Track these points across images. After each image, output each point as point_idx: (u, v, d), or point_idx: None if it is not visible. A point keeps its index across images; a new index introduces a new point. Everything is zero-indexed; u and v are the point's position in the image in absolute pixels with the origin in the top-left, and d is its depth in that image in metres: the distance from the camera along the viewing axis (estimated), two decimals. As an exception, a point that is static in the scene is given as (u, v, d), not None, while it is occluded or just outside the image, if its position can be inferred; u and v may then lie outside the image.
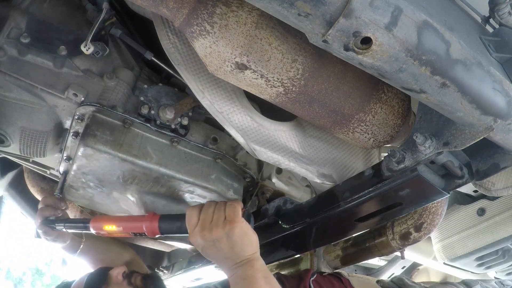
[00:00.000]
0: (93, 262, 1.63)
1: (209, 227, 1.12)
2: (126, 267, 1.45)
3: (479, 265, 2.11)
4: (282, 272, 2.10)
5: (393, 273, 2.76)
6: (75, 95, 1.20)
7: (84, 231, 1.34)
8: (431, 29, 0.68)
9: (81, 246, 1.58)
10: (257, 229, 1.51)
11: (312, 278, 1.66)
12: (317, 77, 1.01)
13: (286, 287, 1.60)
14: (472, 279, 1.93)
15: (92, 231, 1.27)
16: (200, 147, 1.38)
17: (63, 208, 1.39)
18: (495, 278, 1.98)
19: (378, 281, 1.93)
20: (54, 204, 1.37)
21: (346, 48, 0.68)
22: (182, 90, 1.36)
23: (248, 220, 1.18)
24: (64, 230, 1.32)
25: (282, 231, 1.43)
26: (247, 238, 1.13)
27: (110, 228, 1.25)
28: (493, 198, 1.93)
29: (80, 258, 1.62)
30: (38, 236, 1.42)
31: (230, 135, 1.32)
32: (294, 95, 1.03)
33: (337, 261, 1.97)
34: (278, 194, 1.61)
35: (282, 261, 2.10)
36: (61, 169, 1.34)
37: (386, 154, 1.06)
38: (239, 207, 1.17)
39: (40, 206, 1.39)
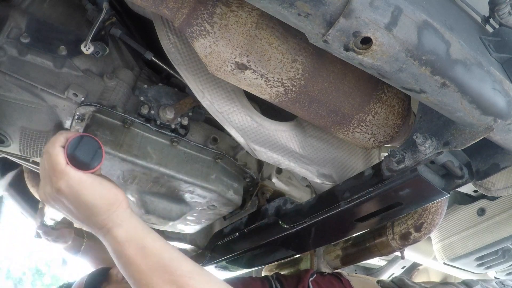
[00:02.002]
0: (95, 261, 1.63)
1: (42, 183, 0.86)
2: None
3: (479, 265, 2.11)
4: (282, 272, 2.10)
5: (393, 273, 2.76)
6: (75, 95, 1.20)
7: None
8: (431, 29, 0.68)
9: (83, 246, 1.59)
10: (257, 229, 1.51)
11: (311, 278, 1.65)
12: (317, 77, 1.01)
13: (285, 287, 1.60)
14: (472, 280, 1.93)
15: None
16: (200, 147, 1.38)
17: None
18: (495, 278, 1.97)
19: (378, 281, 1.93)
20: None
21: (346, 48, 0.68)
22: (182, 90, 1.36)
23: (83, 159, 0.84)
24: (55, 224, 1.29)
25: (282, 231, 1.43)
26: (84, 195, 0.82)
27: (48, 209, 1.21)
28: (493, 198, 1.93)
29: (82, 258, 1.62)
30: (38, 236, 1.42)
31: (230, 135, 1.32)
32: (294, 95, 1.03)
33: (337, 261, 1.97)
34: (278, 194, 1.61)
35: (282, 261, 2.10)
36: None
37: (386, 154, 1.06)
38: (55, 152, 0.82)
39: (40, 206, 1.39)
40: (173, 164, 1.29)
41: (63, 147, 0.84)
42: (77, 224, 0.89)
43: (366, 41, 0.66)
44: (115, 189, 0.87)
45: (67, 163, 0.83)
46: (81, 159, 0.85)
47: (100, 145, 0.88)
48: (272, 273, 1.84)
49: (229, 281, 1.62)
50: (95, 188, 0.84)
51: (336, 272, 1.89)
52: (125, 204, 0.87)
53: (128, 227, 0.84)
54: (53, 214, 1.16)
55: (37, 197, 1.88)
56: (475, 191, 1.96)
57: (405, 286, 1.82)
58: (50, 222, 1.27)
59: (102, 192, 0.85)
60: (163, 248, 0.87)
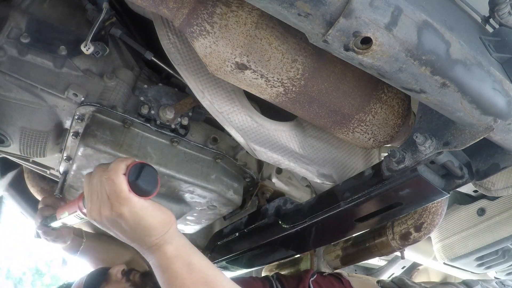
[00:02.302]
0: (94, 262, 1.63)
1: (97, 206, 0.90)
2: (125, 265, 1.46)
3: (479, 265, 2.11)
4: (282, 272, 2.10)
5: (393, 273, 2.76)
6: (75, 95, 1.20)
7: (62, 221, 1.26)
8: (431, 29, 0.68)
9: (82, 246, 1.59)
10: (257, 229, 1.51)
11: (312, 279, 1.65)
12: (317, 77, 1.01)
13: (286, 287, 1.60)
14: (472, 280, 1.93)
15: (63, 221, 1.20)
16: (200, 147, 1.38)
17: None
18: (495, 278, 1.97)
19: (378, 281, 1.93)
20: (54, 204, 1.37)
21: (346, 48, 0.68)
22: (182, 90, 1.36)
23: (145, 187, 0.91)
24: (57, 225, 1.27)
25: (282, 231, 1.43)
26: (144, 220, 0.89)
27: (64, 215, 1.16)
28: (493, 198, 1.93)
29: (81, 258, 1.62)
30: (38, 236, 1.42)
31: (230, 135, 1.32)
32: (294, 95, 1.03)
33: (337, 261, 1.97)
34: (278, 194, 1.61)
35: (282, 261, 2.10)
36: (61, 169, 1.34)
37: (386, 154, 1.06)
38: (119, 180, 0.87)
39: (40, 206, 1.39)
40: (173, 164, 1.29)
41: (125, 174, 0.89)
42: (123, 241, 0.96)
43: (366, 41, 0.66)
44: (167, 211, 0.94)
45: (130, 190, 0.88)
46: (142, 186, 0.90)
47: (157, 173, 0.95)
48: (272, 273, 1.84)
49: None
50: (153, 213, 0.91)
51: (336, 273, 1.89)
52: (175, 224, 0.95)
53: (177, 244, 0.92)
54: (67, 220, 1.16)
55: (37, 197, 1.88)
56: (475, 191, 1.96)
57: (405, 286, 1.82)
58: (57, 225, 1.26)
59: (159, 215, 0.92)
60: (208, 266, 0.94)
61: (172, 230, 0.93)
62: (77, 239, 1.57)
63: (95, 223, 0.94)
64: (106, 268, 1.47)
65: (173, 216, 0.96)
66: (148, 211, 0.90)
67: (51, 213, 1.33)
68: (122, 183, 0.87)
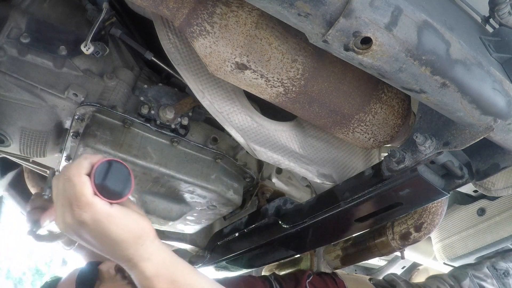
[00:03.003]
0: (90, 256, 1.59)
1: (61, 212, 0.77)
2: None
3: (479, 265, 2.11)
4: (282, 273, 2.10)
5: (393, 273, 2.76)
6: (75, 95, 1.20)
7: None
8: (431, 29, 0.68)
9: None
10: (257, 229, 1.51)
11: (308, 280, 1.66)
12: (317, 77, 1.01)
13: None
14: (461, 271, 1.92)
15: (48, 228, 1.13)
16: (200, 147, 1.38)
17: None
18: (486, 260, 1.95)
19: (370, 279, 1.94)
20: (44, 206, 1.27)
21: (346, 48, 0.68)
22: (182, 90, 1.36)
23: (114, 188, 0.77)
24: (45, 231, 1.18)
25: (282, 231, 1.43)
26: (110, 231, 0.76)
27: (46, 223, 1.11)
28: (493, 198, 1.93)
29: (77, 252, 1.59)
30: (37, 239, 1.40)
31: (230, 135, 1.31)
32: (294, 95, 1.03)
33: (337, 261, 1.97)
34: (278, 194, 1.61)
35: (282, 261, 2.10)
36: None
37: (386, 154, 1.06)
38: (81, 181, 0.74)
39: (28, 209, 1.29)
40: (173, 164, 1.29)
41: (89, 174, 0.76)
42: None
43: (366, 41, 0.66)
44: (141, 220, 0.81)
45: (95, 193, 0.76)
46: (111, 188, 0.78)
47: (129, 171, 0.81)
48: (270, 273, 1.84)
49: (231, 279, 1.62)
50: (122, 222, 0.77)
51: (331, 273, 1.90)
52: (152, 235, 0.82)
53: (156, 261, 0.80)
54: (51, 228, 1.11)
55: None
56: (475, 191, 1.96)
57: (394, 282, 1.83)
58: (43, 232, 1.21)
59: (130, 225, 0.79)
60: (195, 281, 0.85)
61: (149, 243, 0.80)
62: None
63: (64, 232, 0.82)
64: (95, 263, 1.34)
65: (149, 226, 0.82)
66: (115, 219, 0.76)
67: (40, 217, 1.23)
68: (84, 185, 0.74)
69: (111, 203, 0.78)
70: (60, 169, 0.85)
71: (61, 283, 1.30)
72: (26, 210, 1.33)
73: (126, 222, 0.78)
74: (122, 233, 0.77)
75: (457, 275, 1.88)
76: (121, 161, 0.82)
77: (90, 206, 0.74)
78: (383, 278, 1.94)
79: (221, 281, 1.55)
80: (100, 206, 0.75)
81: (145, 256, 0.79)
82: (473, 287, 1.80)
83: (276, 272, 2.12)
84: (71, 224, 0.76)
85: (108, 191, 0.77)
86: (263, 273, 2.22)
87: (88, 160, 0.78)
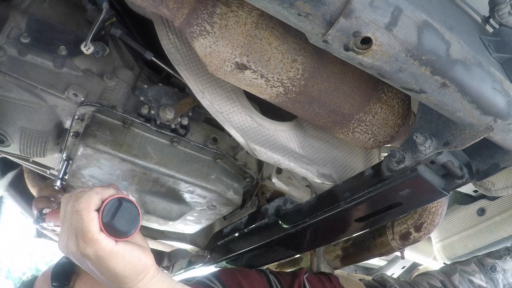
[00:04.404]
0: None
1: (65, 237, 0.80)
2: None
3: (479, 265, 2.11)
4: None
5: (393, 273, 2.76)
6: (75, 95, 1.20)
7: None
8: (431, 29, 0.68)
9: None
10: (257, 229, 1.51)
11: (305, 276, 1.67)
12: (317, 77, 1.01)
13: (281, 282, 1.61)
14: (450, 266, 1.94)
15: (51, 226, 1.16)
16: (200, 147, 1.38)
17: (58, 199, 1.30)
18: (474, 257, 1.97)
19: (360, 279, 1.95)
20: (51, 196, 1.29)
21: (346, 48, 0.68)
22: (182, 90, 1.36)
23: (121, 228, 0.79)
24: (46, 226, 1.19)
25: (282, 231, 1.43)
26: (113, 267, 0.79)
27: (51, 224, 1.13)
28: (493, 198, 1.93)
29: None
30: (38, 236, 1.41)
31: (230, 135, 1.32)
32: (294, 95, 1.03)
33: (337, 261, 1.97)
34: (278, 194, 1.61)
35: (282, 261, 2.11)
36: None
37: (386, 154, 1.06)
38: (89, 217, 0.76)
39: (36, 196, 1.31)
40: (173, 164, 1.29)
41: (98, 209, 0.78)
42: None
43: (366, 41, 0.66)
44: (144, 256, 0.83)
45: (101, 230, 0.77)
46: (118, 227, 0.79)
47: (139, 211, 0.82)
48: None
49: (226, 271, 1.62)
50: (125, 260, 0.80)
51: (326, 272, 1.91)
52: (153, 270, 0.85)
53: None
54: (54, 228, 1.12)
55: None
56: (475, 191, 1.96)
57: (385, 281, 1.84)
58: (46, 227, 1.21)
59: (132, 262, 0.81)
60: None
61: (148, 278, 0.83)
62: None
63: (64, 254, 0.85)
64: None
65: (150, 261, 0.85)
66: (118, 257, 0.78)
67: (46, 206, 1.26)
68: (92, 222, 0.76)
69: (116, 241, 0.80)
70: (71, 193, 0.84)
71: (37, 281, 1.28)
72: (36, 197, 1.33)
73: (128, 259, 0.80)
74: (123, 270, 0.80)
75: (447, 270, 1.89)
76: (131, 199, 0.83)
77: (95, 243, 0.76)
78: (373, 279, 1.95)
79: (217, 273, 1.55)
80: (104, 244, 0.77)
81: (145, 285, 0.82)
82: (462, 281, 1.82)
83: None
84: (74, 253, 0.79)
85: (114, 229, 0.79)
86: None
87: (99, 195, 0.79)
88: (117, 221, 0.79)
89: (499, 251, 1.92)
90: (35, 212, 1.28)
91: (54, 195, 1.31)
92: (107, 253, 0.77)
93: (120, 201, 0.80)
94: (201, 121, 1.43)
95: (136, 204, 0.83)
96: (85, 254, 0.77)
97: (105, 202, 0.79)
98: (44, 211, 1.24)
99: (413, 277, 2.04)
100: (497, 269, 1.84)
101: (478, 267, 1.87)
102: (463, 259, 2.00)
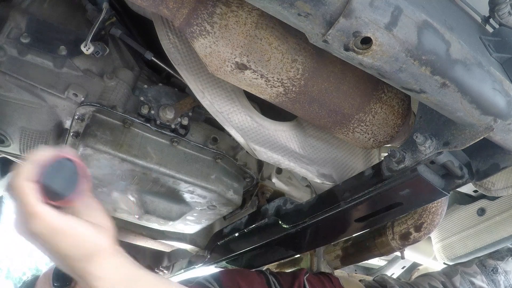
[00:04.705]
0: None
1: (15, 216, 0.72)
2: None
3: (479, 265, 2.11)
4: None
5: (393, 273, 2.76)
6: (75, 95, 1.20)
7: None
8: (431, 29, 0.68)
9: None
10: (257, 229, 1.51)
11: (305, 276, 1.67)
12: (317, 77, 1.01)
13: (281, 282, 1.61)
14: (451, 268, 1.93)
15: None
16: (200, 147, 1.38)
17: None
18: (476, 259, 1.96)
19: (360, 280, 1.95)
20: None
21: (346, 48, 0.68)
22: (182, 90, 1.36)
23: (59, 189, 0.69)
24: None
25: (282, 231, 1.43)
26: (56, 246, 0.69)
27: None
28: (493, 198, 1.93)
29: None
30: None
31: (230, 135, 1.31)
32: (294, 95, 1.03)
33: (337, 261, 1.97)
34: (278, 194, 1.61)
35: (282, 261, 2.10)
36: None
37: (386, 154, 1.06)
38: (24, 189, 0.67)
39: None
40: (173, 164, 1.29)
41: (37, 180, 0.68)
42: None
43: (366, 41, 0.66)
44: (96, 235, 0.72)
45: (43, 201, 0.68)
46: (55, 189, 0.69)
47: (76, 167, 0.72)
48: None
49: (227, 272, 1.62)
50: (69, 237, 0.69)
51: (326, 272, 1.91)
52: (108, 253, 0.73)
53: (112, 280, 0.73)
54: None
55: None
56: (475, 191, 1.96)
57: (385, 282, 1.84)
58: None
59: (77, 241, 0.70)
60: None
61: (102, 261, 0.72)
62: None
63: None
64: None
65: (104, 241, 0.73)
66: (60, 234, 0.68)
67: None
68: (28, 194, 0.66)
69: (59, 207, 0.70)
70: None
71: (39, 281, 1.27)
72: None
73: (73, 238, 0.70)
74: (66, 249, 0.70)
75: (448, 271, 1.89)
76: (68, 155, 0.72)
77: (35, 217, 0.67)
78: (373, 279, 1.95)
79: (217, 274, 1.55)
80: (43, 217, 0.67)
81: (97, 275, 0.72)
82: (464, 283, 1.81)
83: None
84: (24, 232, 0.71)
85: (52, 192, 0.69)
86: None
87: (35, 162, 0.69)
88: (53, 182, 0.69)
89: (501, 252, 1.92)
90: None
91: None
92: (48, 228, 0.68)
93: (59, 161, 0.70)
94: (201, 121, 1.43)
95: (77, 160, 0.72)
96: (31, 232, 0.68)
97: (45, 166, 0.69)
98: None
99: (414, 278, 2.04)
100: (498, 270, 1.84)
101: (480, 269, 1.86)
102: (465, 260, 2.00)
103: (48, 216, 0.67)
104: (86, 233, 0.71)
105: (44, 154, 0.70)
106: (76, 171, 0.72)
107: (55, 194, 0.69)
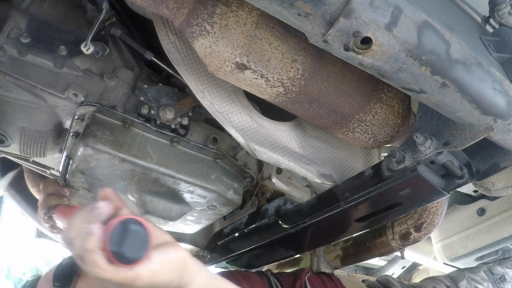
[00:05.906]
0: None
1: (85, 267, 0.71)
2: None
3: (479, 265, 2.11)
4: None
5: (393, 273, 2.76)
6: (75, 95, 1.20)
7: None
8: (431, 29, 0.68)
9: None
10: (257, 229, 1.51)
11: (307, 276, 1.67)
12: (317, 77, 1.01)
13: (282, 283, 1.61)
14: (458, 272, 1.93)
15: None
16: (200, 147, 1.38)
17: (67, 195, 1.30)
18: (482, 265, 1.95)
19: (363, 281, 1.94)
20: (57, 192, 1.28)
21: (346, 48, 0.68)
22: (182, 90, 1.36)
23: (131, 255, 0.69)
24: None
25: (282, 231, 1.43)
26: (158, 283, 0.74)
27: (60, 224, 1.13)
28: (493, 198, 1.93)
29: None
30: (38, 236, 1.40)
31: (230, 135, 1.31)
32: (294, 95, 1.03)
33: (337, 261, 1.97)
34: (278, 194, 1.61)
35: (282, 261, 2.10)
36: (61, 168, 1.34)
37: (386, 154, 1.06)
38: (104, 269, 0.68)
39: (42, 196, 1.30)
40: (173, 164, 1.29)
41: (104, 249, 0.69)
42: None
43: (366, 41, 0.66)
44: (174, 252, 0.77)
45: (121, 265, 0.69)
46: (127, 255, 0.69)
47: (145, 229, 0.72)
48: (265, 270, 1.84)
49: (228, 273, 1.62)
50: (164, 272, 0.75)
51: (327, 272, 1.90)
52: (189, 260, 0.80)
53: (199, 282, 0.81)
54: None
55: (37, 197, 1.87)
56: (475, 191, 1.96)
57: (389, 283, 1.83)
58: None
59: (169, 268, 0.76)
60: None
61: (189, 268, 0.79)
62: None
63: None
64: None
65: (182, 253, 0.79)
66: (159, 274, 0.73)
67: (57, 203, 1.27)
68: (106, 269, 0.68)
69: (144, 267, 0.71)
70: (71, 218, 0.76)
71: (40, 281, 1.26)
72: (40, 196, 1.32)
73: (166, 269, 0.75)
74: (168, 277, 0.76)
75: (454, 276, 1.88)
76: (136, 217, 0.73)
77: (135, 280, 0.70)
78: (377, 280, 1.95)
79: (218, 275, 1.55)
80: (140, 276, 0.70)
81: (188, 281, 0.79)
82: None
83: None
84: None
85: (126, 259, 0.70)
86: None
87: (100, 228, 0.70)
88: (126, 249, 0.69)
89: (511, 260, 1.91)
90: (43, 211, 1.27)
91: (60, 191, 1.30)
92: (149, 276, 0.71)
93: (125, 224, 0.71)
94: (201, 121, 1.43)
95: (143, 222, 0.73)
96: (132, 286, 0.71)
97: (109, 233, 0.69)
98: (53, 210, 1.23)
99: (420, 280, 2.02)
100: (506, 278, 1.83)
101: (487, 276, 1.85)
102: (464, 260, 2.00)
103: (141, 273, 0.70)
104: (168, 256, 0.75)
105: (104, 209, 0.72)
106: (145, 233, 0.72)
107: (127, 260, 0.69)
